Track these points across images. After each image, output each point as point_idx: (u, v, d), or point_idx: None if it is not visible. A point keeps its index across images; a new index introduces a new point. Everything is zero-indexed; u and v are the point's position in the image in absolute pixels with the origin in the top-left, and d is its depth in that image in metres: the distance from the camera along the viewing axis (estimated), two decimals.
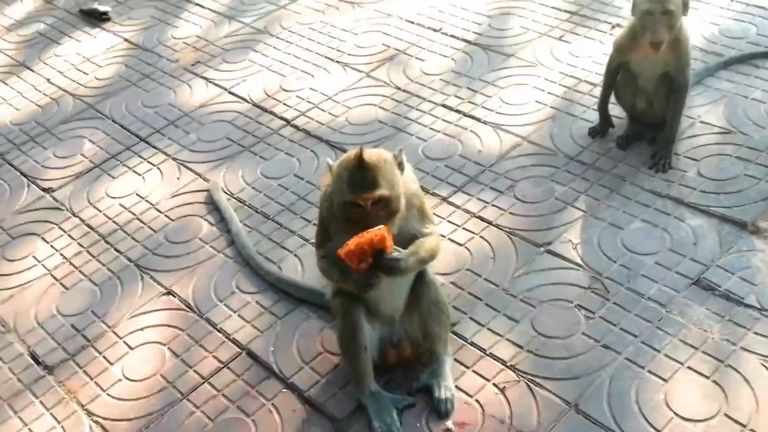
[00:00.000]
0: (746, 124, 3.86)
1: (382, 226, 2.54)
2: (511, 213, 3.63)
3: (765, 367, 2.83)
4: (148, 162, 4.28)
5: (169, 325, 3.35)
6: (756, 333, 2.95)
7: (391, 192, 2.59)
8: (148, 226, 3.86)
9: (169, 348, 3.25)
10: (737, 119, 3.89)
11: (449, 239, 3.55)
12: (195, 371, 3.14)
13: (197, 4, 5.74)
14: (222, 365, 3.15)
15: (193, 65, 5.03)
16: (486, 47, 4.73)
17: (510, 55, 4.62)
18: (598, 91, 3.98)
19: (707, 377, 2.83)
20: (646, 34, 3.46)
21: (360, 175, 2.55)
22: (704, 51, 4.37)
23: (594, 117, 3.97)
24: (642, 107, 3.80)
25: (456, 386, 2.92)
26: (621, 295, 3.17)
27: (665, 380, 2.84)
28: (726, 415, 2.71)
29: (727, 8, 4.67)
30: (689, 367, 2.87)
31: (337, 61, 4.84)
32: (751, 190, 3.50)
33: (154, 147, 4.38)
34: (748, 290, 3.10)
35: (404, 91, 4.50)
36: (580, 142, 3.94)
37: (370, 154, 2.59)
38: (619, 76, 3.78)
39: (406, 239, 2.75)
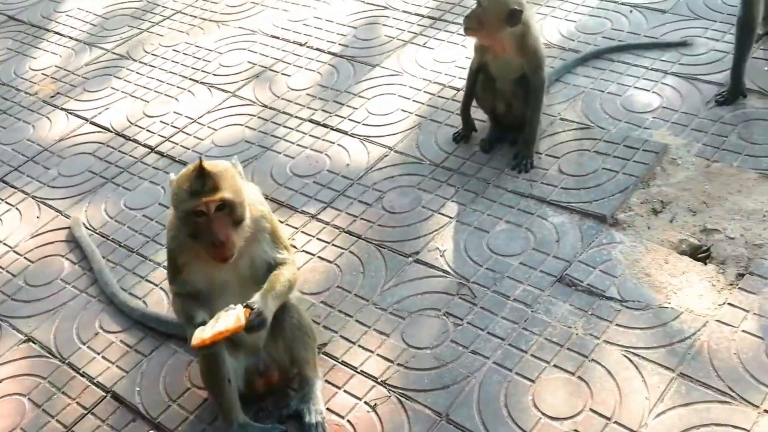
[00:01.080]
0: (603, 118, 3.94)
1: (237, 310, 2.47)
2: (379, 225, 3.61)
3: (627, 358, 2.88)
4: (5, 203, 4.10)
5: (29, 374, 3.20)
6: (618, 325, 3.00)
7: (234, 197, 2.53)
8: (6, 271, 3.69)
9: (29, 398, 3.11)
10: (595, 114, 3.98)
11: (319, 257, 3.51)
12: (58, 421, 3.01)
13: (56, 33, 5.54)
14: (86, 411, 3.02)
15: (52, 97, 4.85)
16: (351, 59, 4.71)
17: (375, 65, 4.61)
18: (461, 96, 4.00)
19: (572, 374, 2.86)
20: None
21: (201, 182, 2.50)
22: (562, 48, 4.45)
23: (458, 122, 3.99)
24: (502, 110, 3.84)
25: (327, 408, 2.88)
26: (488, 299, 3.19)
27: (533, 381, 2.87)
28: (591, 410, 2.74)
29: (582, 5, 4.77)
30: (555, 365, 2.90)
31: (202, 83, 4.74)
32: (609, 183, 3.57)
33: (12, 186, 4.20)
34: (609, 283, 3.15)
35: (271, 108, 4.44)
36: (446, 148, 3.96)
37: (209, 163, 2.55)
38: (479, 80, 3.82)
39: (258, 267, 2.69)
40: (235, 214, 2.54)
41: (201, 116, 4.47)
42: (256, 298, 2.55)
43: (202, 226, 2.52)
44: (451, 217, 3.58)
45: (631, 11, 4.64)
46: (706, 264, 3.18)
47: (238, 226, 2.56)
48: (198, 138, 4.31)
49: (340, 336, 3.15)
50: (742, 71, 3.86)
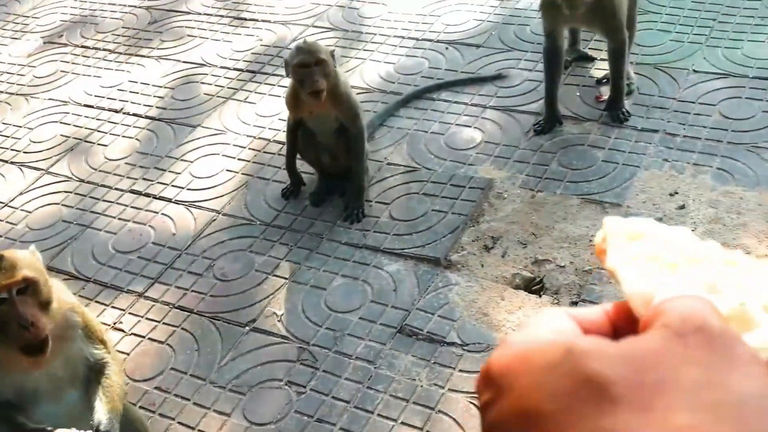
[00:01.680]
0: (429, 158, 3.94)
1: None
2: (212, 296, 3.44)
3: (472, 404, 2.83)
4: None
5: None
6: (461, 371, 2.96)
7: (37, 275, 2.27)
8: None
9: None
10: (420, 155, 3.97)
11: (150, 339, 3.30)
12: None
13: None
14: None
15: None
16: (171, 121, 4.53)
17: (196, 126, 4.45)
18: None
19: (420, 429, 2.79)
20: (304, 87, 3.42)
21: None
22: (383, 91, 4.45)
23: (286, 177, 3.89)
24: (327, 162, 3.77)
25: None
26: (330, 360, 3.08)
27: None
28: None
29: (399, 45, 4.80)
30: (403, 422, 2.82)
31: (12, 162, 4.44)
32: (440, 225, 3.56)
33: None
34: (448, 328, 3.11)
35: (88, 182, 4.19)
36: (275, 205, 3.85)
37: (7, 251, 2.30)
38: (299, 135, 3.73)
39: (74, 367, 2.47)
40: (41, 294, 2.26)
41: (12, 199, 4.17)
42: (104, 421, 2.31)
43: (6, 314, 2.23)
44: (286, 278, 3.46)
45: (447, 48, 4.70)
46: (540, 296, 3.20)
47: (46, 309, 2.29)
48: (11, 223, 4.01)
49: (178, 423, 2.96)
50: (555, 99, 3.96)
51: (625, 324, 0.55)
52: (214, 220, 3.83)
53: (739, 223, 3.30)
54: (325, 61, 3.40)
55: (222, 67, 4.90)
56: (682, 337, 0.47)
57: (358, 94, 4.38)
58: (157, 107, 4.67)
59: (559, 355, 0.48)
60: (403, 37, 4.87)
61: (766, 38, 4.31)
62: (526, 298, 3.19)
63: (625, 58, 3.88)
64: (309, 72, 3.39)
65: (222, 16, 5.41)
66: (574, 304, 3.11)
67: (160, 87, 4.83)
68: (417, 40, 4.83)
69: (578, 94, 4.17)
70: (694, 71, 4.17)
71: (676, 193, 3.49)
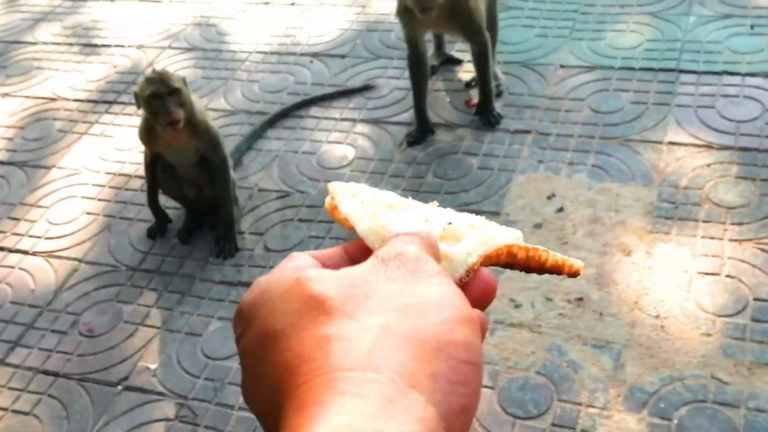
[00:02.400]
0: (302, 181, 3.77)
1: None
2: (79, 355, 3.18)
3: None
4: None
5: None
6: None
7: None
8: None
9: None
10: (292, 178, 3.79)
11: (13, 411, 3.02)
12: None
13: None
14: None
15: None
16: (23, 164, 4.20)
17: (51, 167, 4.14)
18: None
19: None
20: (159, 120, 3.19)
21: None
22: (249, 112, 4.24)
23: (151, 215, 3.64)
24: (192, 195, 3.55)
25: None
26: (211, 415, 2.87)
27: None
28: None
29: (262, 62, 4.60)
30: None
31: None
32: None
33: None
34: None
35: None
36: (141, 247, 3.60)
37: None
38: (158, 170, 3.50)
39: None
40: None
41: None
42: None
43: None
44: (158, 327, 3.23)
45: (311, 61, 4.53)
46: None
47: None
48: None
49: None
50: (424, 108, 3.85)
51: (363, 259, 0.62)
52: (77, 270, 3.55)
53: (618, 221, 3.26)
54: (179, 89, 3.18)
55: (75, 100, 4.59)
56: (385, 262, 0.58)
57: (221, 117, 4.19)
58: (6, 150, 4.32)
59: (290, 283, 0.58)
60: (265, 53, 4.67)
61: (626, 27, 4.32)
62: None
63: (490, 60, 3.80)
64: (162, 103, 3.17)
65: (72, 44, 5.08)
66: None
67: (8, 127, 4.48)
68: (280, 54, 4.64)
69: (448, 99, 4.08)
70: (561, 66, 4.14)
71: (554, 195, 3.43)
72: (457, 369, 0.53)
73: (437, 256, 0.62)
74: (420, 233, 0.62)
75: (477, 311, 0.59)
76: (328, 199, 0.71)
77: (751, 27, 4.13)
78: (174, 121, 3.19)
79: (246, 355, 0.58)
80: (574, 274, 0.68)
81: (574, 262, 0.68)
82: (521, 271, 0.67)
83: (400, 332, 0.54)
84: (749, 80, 3.82)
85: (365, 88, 4.23)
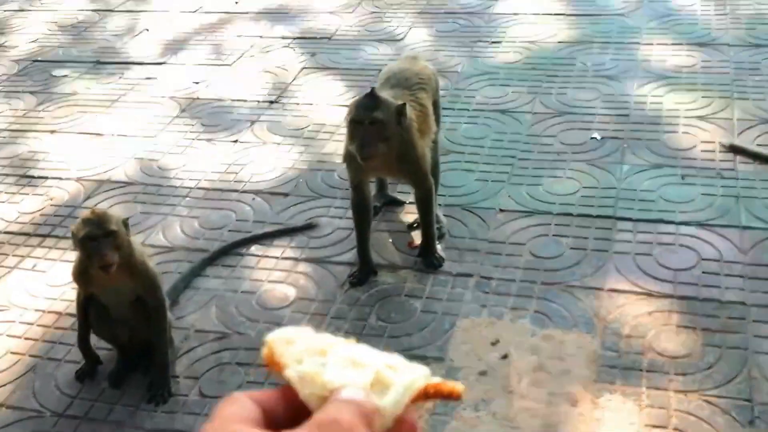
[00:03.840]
0: (241, 322, 3.67)
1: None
2: None
3: None
4: None
5: None
6: None
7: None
8: None
9: None
10: (231, 319, 3.69)
11: None
12: None
13: None
14: None
15: None
16: None
17: None
18: None
19: None
20: (93, 261, 3.10)
21: None
22: (188, 249, 4.16)
23: (81, 356, 3.48)
24: (125, 337, 3.41)
25: None
26: None
27: None
28: None
29: (203, 198, 4.55)
30: None
31: None
32: None
33: None
34: None
35: None
36: (69, 391, 3.41)
37: None
38: (90, 311, 3.36)
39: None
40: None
41: None
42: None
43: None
44: None
45: (253, 198, 4.51)
46: None
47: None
48: None
49: None
50: (367, 250, 3.84)
51: (299, 402, 0.71)
52: None
53: (563, 369, 3.24)
54: (115, 232, 3.10)
55: (6, 233, 4.44)
56: (321, 427, 0.64)
57: (159, 253, 4.10)
58: None
59: None
60: (207, 189, 4.64)
61: (563, 173, 4.44)
62: None
63: (433, 204, 3.84)
64: (97, 245, 3.08)
65: (7, 174, 4.97)
66: None
67: None
68: (222, 191, 4.61)
69: (390, 240, 4.08)
70: (501, 210, 4.20)
71: (498, 341, 3.40)
72: None
73: (370, 421, 0.68)
74: (357, 401, 0.69)
75: None
76: (265, 351, 0.78)
77: (682, 177, 4.28)
78: (107, 264, 3.10)
79: None
80: (458, 397, 0.78)
81: (458, 386, 0.78)
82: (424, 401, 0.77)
83: None
84: (683, 229, 3.93)
85: (308, 227, 4.21)
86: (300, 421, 0.69)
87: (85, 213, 3.20)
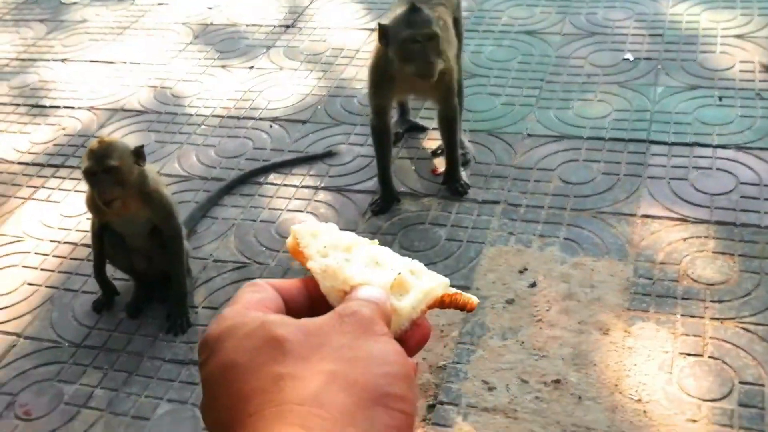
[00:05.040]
0: (260, 251, 3.56)
1: None
2: None
3: None
4: None
5: None
6: None
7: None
8: None
9: None
10: (250, 248, 3.58)
11: None
12: None
13: None
14: None
15: None
16: None
17: None
18: None
19: None
20: (97, 196, 3.01)
21: None
22: (204, 178, 4.04)
23: (97, 287, 3.40)
24: (142, 267, 3.32)
25: None
26: None
27: None
28: None
29: (219, 126, 4.42)
30: None
31: None
32: None
33: None
34: None
35: None
36: (86, 321, 3.34)
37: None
38: (105, 240, 3.27)
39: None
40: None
41: None
42: None
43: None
44: (101, 410, 2.96)
45: (271, 126, 4.37)
46: None
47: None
48: None
49: None
50: (389, 177, 3.70)
51: (320, 294, 0.73)
52: (14, 345, 3.27)
53: (594, 297, 3.11)
54: (116, 167, 2.97)
55: (20, 163, 4.34)
56: (341, 318, 0.66)
57: (175, 183, 3.99)
58: None
59: (256, 324, 0.65)
60: (222, 117, 4.49)
61: (593, 96, 4.25)
62: None
63: (458, 126, 3.69)
64: (97, 180, 2.97)
65: (18, 104, 4.85)
66: (431, 407, 2.80)
67: None
68: (238, 119, 4.47)
69: (413, 168, 3.93)
70: (529, 135, 4.04)
71: (526, 269, 3.28)
72: (393, 416, 0.62)
73: (388, 321, 0.70)
74: (377, 301, 0.70)
75: (413, 361, 0.69)
76: (290, 241, 0.78)
77: (719, 99, 4.08)
78: (106, 201, 2.99)
79: (207, 382, 0.65)
80: (471, 309, 0.79)
81: (474, 299, 0.78)
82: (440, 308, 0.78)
83: (346, 379, 0.62)
84: (720, 152, 3.75)
85: (327, 155, 4.07)
86: (318, 314, 0.69)
87: (93, 142, 3.07)
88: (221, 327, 0.66)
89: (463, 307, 0.78)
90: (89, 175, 2.99)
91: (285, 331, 0.64)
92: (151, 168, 3.30)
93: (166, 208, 3.18)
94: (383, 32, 3.34)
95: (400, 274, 0.75)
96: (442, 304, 0.77)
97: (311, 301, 0.73)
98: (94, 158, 2.96)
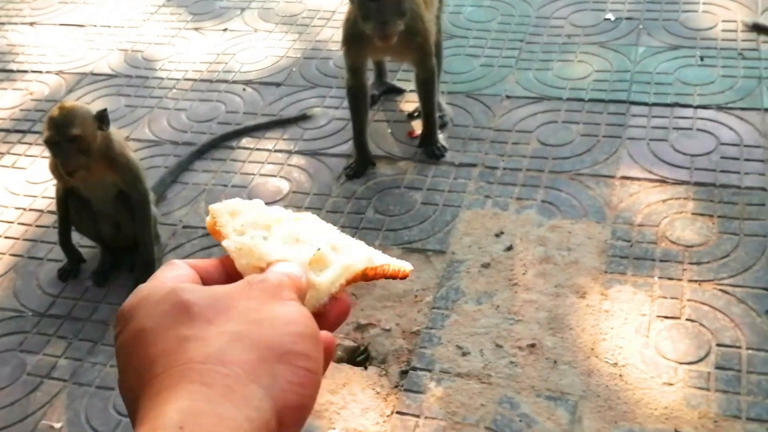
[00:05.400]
0: None
1: None
2: None
3: None
4: None
5: None
6: None
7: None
8: None
9: None
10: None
11: None
12: None
13: None
14: None
15: None
16: None
17: None
18: None
19: None
20: (59, 166, 2.91)
21: None
22: (175, 143, 3.94)
23: (62, 254, 3.31)
24: (109, 233, 3.23)
25: None
26: None
27: None
28: None
29: (192, 89, 4.30)
30: None
31: None
32: None
33: None
34: None
35: None
36: (51, 290, 3.25)
37: None
38: (71, 205, 3.17)
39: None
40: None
41: None
42: None
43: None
44: (65, 380, 2.88)
45: (244, 89, 4.25)
46: (366, 368, 2.80)
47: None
48: None
49: None
50: (364, 140, 3.61)
51: (237, 272, 0.74)
52: None
53: (571, 260, 3.04)
54: (79, 136, 2.86)
55: None
56: (249, 284, 0.68)
57: (145, 147, 3.89)
58: None
59: (166, 292, 0.67)
60: (194, 80, 4.38)
61: (574, 57, 4.15)
62: (351, 372, 2.78)
63: (436, 88, 3.59)
64: (59, 150, 2.86)
65: None
66: (404, 374, 2.73)
67: None
68: (210, 82, 4.35)
69: (389, 131, 3.84)
70: (507, 97, 3.94)
71: (502, 233, 3.20)
72: (297, 373, 0.63)
73: (301, 294, 0.71)
74: (289, 274, 0.71)
75: (326, 333, 0.71)
76: (209, 220, 0.78)
77: (701, 59, 4.00)
78: (69, 171, 2.89)
79: (120, 351, 0.66)
80: (404, 277, 0.79)
81: (406, 266, 0.79)
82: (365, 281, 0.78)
83: (250, 338, 0.63)
84: (701, 112, 3.67)
85: (301, 118, 3.97)
86: None
87: (53, 109, 2.96)
88: (135, 298, 0.68)
89: (394, 277, 0.79)
90: (51, 145, 2.88)
91: (193, 296, 0.66)
92: (117, 132, 3.20)
93: (133, 173, 3.08)
94: None
95: (319, 249, 0.75)
96: (365, 277, 0.77)
97: (229, 279, 0.73)
98: (55, 127, 2.86)
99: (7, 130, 4.19)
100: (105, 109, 3.02)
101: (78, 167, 2.87)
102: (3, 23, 5.15)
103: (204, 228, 3.40)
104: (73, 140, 2.86)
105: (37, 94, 4.43)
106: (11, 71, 4.66)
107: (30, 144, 4.07)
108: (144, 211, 3.13)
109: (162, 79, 4.42)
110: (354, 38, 3.36)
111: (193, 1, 5.12)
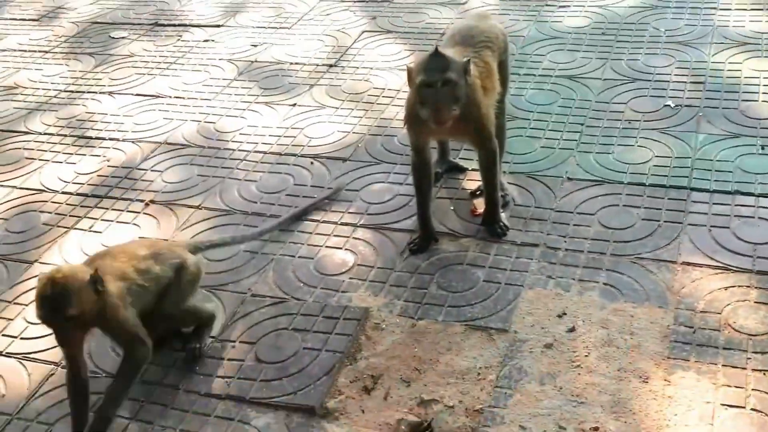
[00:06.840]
0: (298, 287, 3.58)
1: None
2: None
3: None
4: None
5: None
6: None
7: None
8: None
9: None
10: (288, 284, 3.60)
11: None
12: None
13: None
14: None
15: None
16: (3, 258, 3.99)
17: (33, 262, 3.93)
18: None
19: None
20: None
21: None
22: (245, 213, 4.08)
23: None
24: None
25: None
26: None
27: None
28: None
29: (260, 162, 4.46)
30: None
31: None
32: (313, 365, 3.17)
33: None
34: None
35: None
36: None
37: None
38: None
39: None
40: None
41: None
42: None
43: None
44: None
45: (312, 163, 4.41)
46: None
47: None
48: None
49: None
50: (427, 216, 3.71)
51: None
52: (52, 374, 3.30)
53: (633, 344, 3.08)
54: (74, 317, 2.81)
55: (63, 193, 4.42)
56: None
57: (216, 216, 4.04)
58: None
59: None
60: (264, 152, 4.55)
61: (634, 141, 4.24)
62: None
63: (498, 168, 3.70)
64: (59, 329, 2.84)
65: (65, 135, 4.96)
66: None
67: None
68: (280, 155, 4.52)
69: (452, 208, 3.94)
70: (569, 179, 4.03)
71: (564, 313, 3.26)
72: None
73: None
74: None
75: None
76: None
77: (762, 147, 4.05)
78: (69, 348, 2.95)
79: None
80: None
81: None
82: None
83: None
84: (763, 201, 3.71)
85: (335, 192, 4.08)
86: None
87: (43, 285, 2.78)
88: None
89: None
90: (46, 324, 2.84)
91: None
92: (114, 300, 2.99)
93: (121, 327, 3.01)
94: (408, 74, 3.41)
95: None
96: None
97: None
98: (49, 307, 2.76)
99: (85, 195, 4.38)
100: (97, 272, 2.86)
101: (75, 344, 2.95)
102: (83, 92, 5.42)
103: (272, 297, 3.51)
104: (70, 320, 2.80)
105: (114, 160, 4.64)
106: (89, 138, 4.89)
107: (106, 209, 4.24)
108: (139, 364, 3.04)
109: (233, 150, 4.60)
110: (414, 119, 3.49)
111: (263, 76, 5.34)
